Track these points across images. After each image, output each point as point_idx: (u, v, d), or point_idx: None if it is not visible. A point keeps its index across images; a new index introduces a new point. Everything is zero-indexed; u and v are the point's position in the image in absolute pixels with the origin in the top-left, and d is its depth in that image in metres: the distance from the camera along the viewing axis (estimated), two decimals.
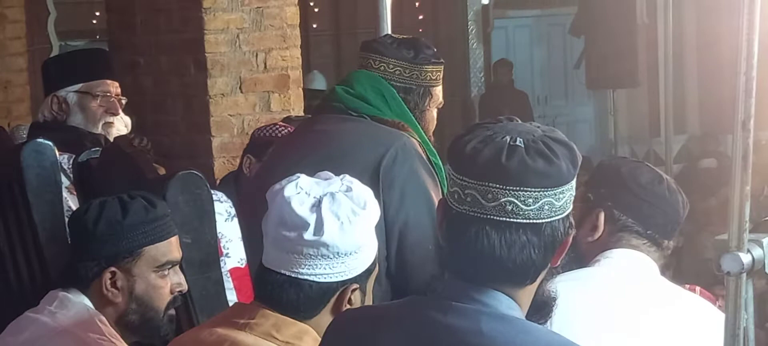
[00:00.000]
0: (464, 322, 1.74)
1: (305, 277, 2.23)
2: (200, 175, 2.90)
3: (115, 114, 4.08)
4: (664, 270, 2.62)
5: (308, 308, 2.24)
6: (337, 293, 2.25)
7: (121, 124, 4.10)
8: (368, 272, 2.29)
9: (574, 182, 1.78)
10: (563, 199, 1.75)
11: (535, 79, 13.83)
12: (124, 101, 4.15)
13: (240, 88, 5.41)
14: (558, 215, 1.75)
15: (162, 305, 2.67)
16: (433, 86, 3.46)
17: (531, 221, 1.73)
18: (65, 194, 3.19)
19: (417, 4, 12.51)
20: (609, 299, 2.40)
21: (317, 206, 2.21)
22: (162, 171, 3.32)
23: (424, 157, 3.33)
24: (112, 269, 2.63)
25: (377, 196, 2.54)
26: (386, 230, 3.17)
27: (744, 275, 1.94)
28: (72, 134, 3.93)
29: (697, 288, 2.95)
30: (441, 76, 3.49)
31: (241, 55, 5.41)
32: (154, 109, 5.62)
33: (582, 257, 2.47)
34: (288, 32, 5.53)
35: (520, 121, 1.82)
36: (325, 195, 2.23)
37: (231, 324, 2.26)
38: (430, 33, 12.41)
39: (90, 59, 4.27)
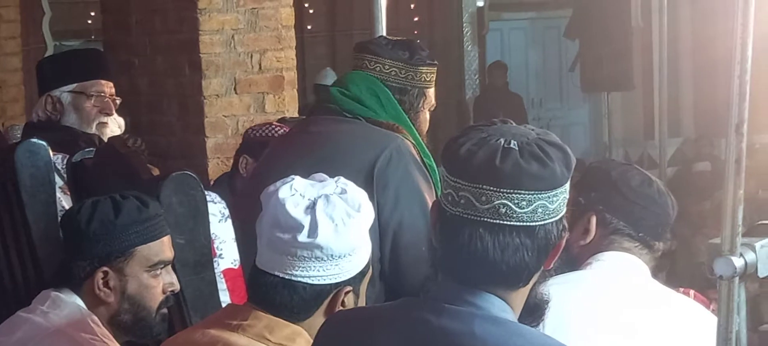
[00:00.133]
0: (457, 324, 1.74)
1: (299, 279, 2.23)
2: (194, 176, 2.90)
3: (110, 114, 4.07)
4: (658, 273, 2.62)
5: (301, 310, 2.24)
6: (331, 296, 2.25)
7: (115, 125, 4.09)
8: (362, 274, 2.29)
9: (567, 185, 1.78)
10: (557, 202, 1.75)
11: (530, 82, 13.84)
12: (118, 101, 4.14)
13: (235, 89, 5.42)
14: (551, 217, 1.75)
15: (154, 305, 2.67)
16: (427, 88, 3.47)
17: (524, 223, 1.73)
18: (59, 194, 3.18)
19: (412, 5, 12.52)
20: (601, 301, 2.41)
21: (312, 208, 2.21)
22: (156, 172, 3.32)
23: (419, 159, 3.33)
24: (105, 268, 2.63)
25: (371, 197, 2.54)
26: (380, 231, 3.17)
27: (737, 278, 1.94)
28: (66, 134, 3.93)
29: (691, 291, 2.96)
30: (434, 78, 3.50)
31: (235, 56, 5.41)
32: (148, 110, 5.62)
33: (574, 261, 2.47)
34: (283, 33, 5.53)
35: (514, 124, 1.82)
36: (320, 197, 2.23)
37: (224, 325, 2.26)
38: (425, 35, 12.42)
39: (84, 59, 4.27)
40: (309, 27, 12.12)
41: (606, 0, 11.69)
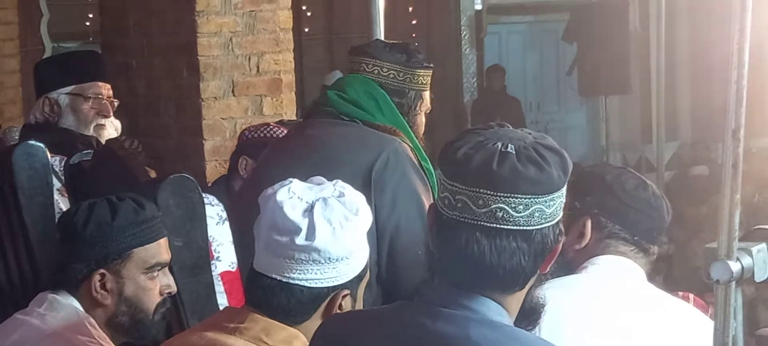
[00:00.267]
0: (453, 328, 1.74)
1: (296, 282, 2.23)
2: (192, 178, 2.90)
3: (107, 116, 4.07)
4: (655, 276, 2.62)
5: (299, 313, 2.24)
6: (328, 299, 2.25)
7: (112, 128, 4.09)
8: (359, 277, 2.29)
9: (564, 189, 1.78)
10: (554, 206, 1.75)
11: (528, 86, 13.84)
12: (116, 103, 4.14)
13: (232, 91, 5.42)
14: (548, 221, 1.75)
15: (151, 307, 2.67)
16: (424, 90, 3.48)
17: (521, 227, 1.73)
18: (56, 196, 3.18)
19: (410, 9, 12.52)
20: (596, 305, 2.41)
21: (309, 211, 2.22)
22: (153, 174, 3.32)
23: (416, 162, 3.34)
24: (102, 270, 2.63)
25: (369, 200, 2.54)
26: (377, 234, 3.17)
27: (733, 283, 1.94)
28: (64, 136, 3.93)
29: (691, 296, 2.95)
30: (430, 81, 3.51)
31: (233, 58, 5.41)
32: (146, 112, 5.62)
33: (569, 264, 2.47)
34: (281, 36, 5.53)
35: (511, 128, 1.82)
36: (318, 200, 2.23)
37: (221, 328, 2.26)
38: (424, 38, 12.43)
39: (82, 61, 4.27)
40: (307, 30, 12.13)
41: (604, 4, 11.72)
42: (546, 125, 13.34)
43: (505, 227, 1.73)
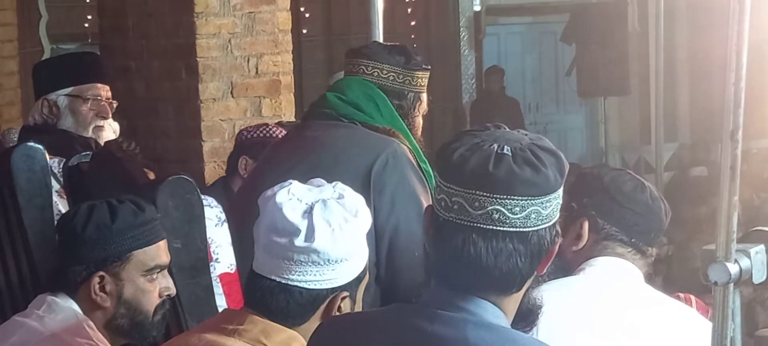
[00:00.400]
0: (450, 330, 1.74)
1: (295, 283, 2.23)
2: (190, 180, 2.90)
3: (106, 118, 4.07)
4: (654, 278, 2.62)
5: (298, 315, 2.24)
6: (327, 301, 2.25)
7: (110, 130, 4.09)
8: (358, 279, 2.29)
9: (561, 191, 1.78)
10: (550, 207, 1.75)
11: (527, 87, 13.84)
12: (114, 105, 4.14)
13: (231, 93, 5.41)
14: (545, 223, 1.75)
15: (151, 309, 2.67)
16: (422, 92, 3.49)
17: (518, 229, 1.73)
18: (55, 198, 3.18)
19: (409, 10, 12.52)
20: (594, 306, 2.41)
21: (309, 212, 2.22)
22: (152, 175, 3.32)
23: (415, 163, 3.34)
24: (101, 273, 2.63)
25: (368, 202, 2.54)
26: (376, 236, 3.17)
27: (731, 285, 1.94)
28: (62, 138, 3.92)
29: (693, 298, 2.95)
30: (427, 82, 3.52)
31: (232, 59, 5.41)
32: (145, 114, 5.61)
33: (566, 266, 2.47)
34: (279, 37, 5.53)
35: (507, 129, 1.82)
36: (317, 202, 2.23)
37: (220, 330, 2.26)
38: (422, 39, 12.42)
39: (80, 63, 4.27)
40: (305, 31, 12.12)
41: (603, 5, 11.73)
42: (545, 126, 13.34)
43: (502, 228, 1.72)
